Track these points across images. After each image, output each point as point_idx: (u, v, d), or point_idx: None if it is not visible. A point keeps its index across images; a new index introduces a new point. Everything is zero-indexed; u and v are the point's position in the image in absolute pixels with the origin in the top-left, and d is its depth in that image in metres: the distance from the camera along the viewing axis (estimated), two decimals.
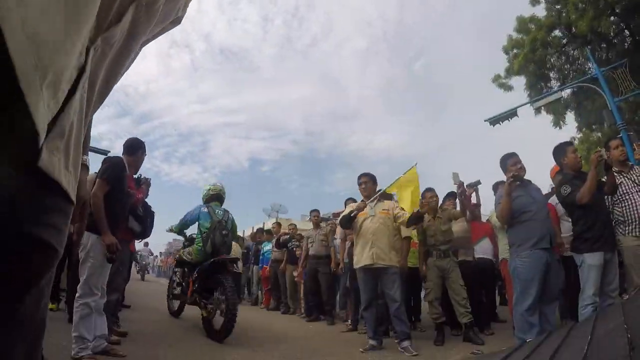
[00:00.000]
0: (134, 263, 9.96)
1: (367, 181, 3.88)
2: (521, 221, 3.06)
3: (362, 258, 3.63)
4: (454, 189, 4.14)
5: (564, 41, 11.26)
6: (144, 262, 15.70)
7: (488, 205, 5.04)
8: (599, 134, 11.00)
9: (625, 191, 3.11)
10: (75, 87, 0.42)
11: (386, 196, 4.24)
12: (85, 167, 0.71)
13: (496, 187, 4.02)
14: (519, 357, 1.87)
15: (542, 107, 10.65)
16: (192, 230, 4.32)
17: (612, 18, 9.91)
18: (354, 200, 4.42)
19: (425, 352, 3.35)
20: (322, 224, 6.13)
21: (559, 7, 10.67)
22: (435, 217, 4.14)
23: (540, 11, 11.14)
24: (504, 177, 3.30)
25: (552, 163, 3.97)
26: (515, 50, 11.53)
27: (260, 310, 7.39)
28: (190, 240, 4.31)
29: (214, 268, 3.77)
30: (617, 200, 3.15)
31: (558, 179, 3.41)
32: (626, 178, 3.16)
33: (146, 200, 3.68)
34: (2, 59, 0.29)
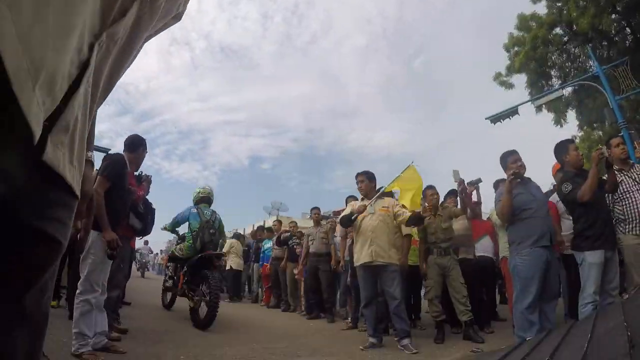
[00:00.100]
0: (134, 260, 10.01)
1: (364, 180, 3.90)
2: (522, 219, 3.05)
3: (361, 256, 3.65)
4: (455, 186, 4.13)
5: (565, 39, 11.22)
6: (144, 260, 15.84)
7: (489, 204, 5.05)
8: (600, 133, 10.99)
9: (625, 189, 3.11)
10: (79, 82, 0.43)
11: (387, 193, 4.24)
12: (90, 163, 0.71)
13: (497, 185, 4.01)
14: (519, 355, 1.87)
15: (543, 105, 10.62)
16: (184, 229, 4.61)
17: (613, 16, 9.86)
18: (355, 198, 4.42)
19: (425, 350, 3.36)
20: (323, 222, 6.13)
21: (560, 4, 10.62)
22: (436, 215, 4.14)
23: (541, 9, 11.10)
24: (504, 175, 3.29)
25: (553, 161, 3.97)
26: (516, 48, 11.49)
27: (261, 307, 7.40)
28: (182, 238, 4.62)
29: (201, 263, 4.18)
30: (617, 198, 3.15)
31: (559, 177, 3.41)
32: (627, 176, 3.16)
33: (147, 197, 3.69)
34: None
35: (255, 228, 9.56)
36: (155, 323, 4.37)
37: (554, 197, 3.83)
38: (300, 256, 6.13)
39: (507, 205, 3.05)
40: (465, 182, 3.98)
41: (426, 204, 3.72)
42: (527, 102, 10.52)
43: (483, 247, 4.51)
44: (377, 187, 4.02)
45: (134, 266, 9.87)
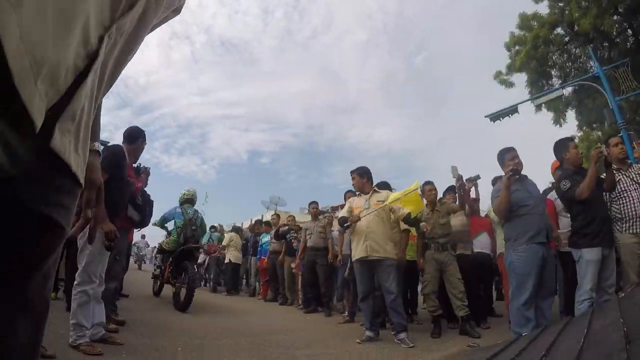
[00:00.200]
0: (132, 254, 10.04)
1: (355, 177, 3.97)
2: (519, 215, 3.06)
3: (357, 251, 3.68)
4: (454, 182, 4.14)
5: (566, 39, 11.22)
6: (141, 253, 15.95)
7: (487, 200, 5.06)
8: (599, 133, 11.01)
9: (623, 189, 3.13)
10: (87, 73, 0.44)
11: (382, 186, 4.25)
12: (97, 152, 0.72)
13: (495, 182, 4.02)
14: (515, 350, 1.89)
15: (543, 105, 10.64)
16: (172, 226, 5.24)
17: (615, 17, 9.86)
18: (353, 193, 4.44)
19: (421, 344, 3.38)
20: (320, 217, 6.14)
21: (562, 4, 10.62)
22: (434, 211, 4.16)
23: (543, 8, 11.10)
24: (503, 172, 3.30)
25: (551, 161, 3.98)
26: (517, 47, 11.49)
27: (258, 301, 7.42)
28: (169, 233, 5.23)
29: (183, 255, 4.88)
30: (615, 197, 3.16)
31: (558, 174, 3.42)
32: (625, 176, 3.17)
33: (145, 189, 3.68)
34: (1, 61, 0.33)
35: (253, 222, 9.56)
36: (152, 315, 4.38)
37: (552, 195, 3.84)
38: (298, 250, 6.14)
39: (504, 202, 3.05)
40: (464, 179, 3.99)
41: (424, 224, 3.85)
42: (527, 101, 10.54)
43: (481, 244, 4.53)
44: (374, 185, 4.04)
45: (131, 259, 9.90)
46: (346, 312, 4.93)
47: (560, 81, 11.40)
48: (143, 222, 3.54)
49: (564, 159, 3.25)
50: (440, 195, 4.56)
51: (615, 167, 3.18)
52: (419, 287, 4.81)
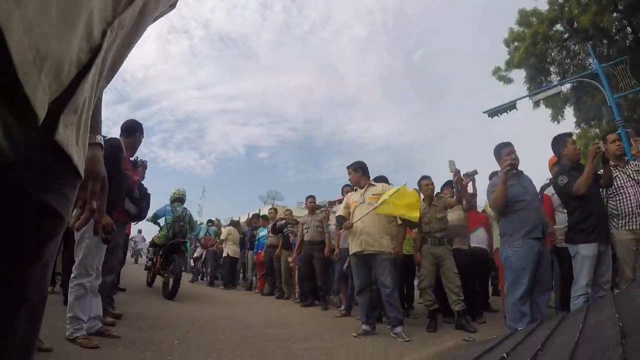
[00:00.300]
0: (129, 248, 10.04)
1: (351, 172, 4.00)
2: (515, 210, 3.07)
3: (353, 245, 3.71)
4: (451, 177, 4.14)
5: (566, 36, 11.19)
6: (137, 248, 16.01)
7: (484, 195, 5.07)
8: (597, 130, 11.03)
9: (620, 185, 3.14)
10: (90, 66, 0.46)
11: (379, 180, 4.25)
12: (100, 145, 0.74)
13: (493, 177, 4.03)
14: (511, 344, 1.90)
15: (541, 101, 10.62)
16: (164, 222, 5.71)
17: (614, 14, 9.83)
18: (351, 188, 4.45)
19: (417, 338, 3.40)
20: (317, 211, 6.14)
21: (561, 1, 10.58)
22: (431, 205, 4.17)
23: (543, 5, 11.06)
24: (500, 168, 3.30)
25: (548, 157, 3.99)
26: (516, 43, 11.45)
27: (255, 295, 7.43)
28: (161, 229, 5.71)
29: (171, 248, 5.35)
30: (611, 193, 3.17)
31: (555, 170, 3.42)
32: (621, 172, 3.18)
33: (142, 182, 3.66)
34: (4, 56, 0.34)
35: (250, 216, 9.56)
36: (149, 308, 4.39)
37: (549, 190, 3.85)
38: (295, 244, 6.15)
39: (501, 196, 3.05)
40: (462, 174, 3.99)
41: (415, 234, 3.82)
42: (525, 97, 10.52)
43: (477, 239, 4.55)
44: (372, 179, 4.04)
45: (128, 253, 9.91)
46: (343, 306, 4.95)
47: (558, 78, 11.38)
48: (140, 215, 3.53)
49: (561, 154, 3.26)
50: (438, 190, 4.57)
51: (612, 163, 3.20)
52: (415, 282, 4.83)
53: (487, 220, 4.48)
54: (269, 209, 8.63)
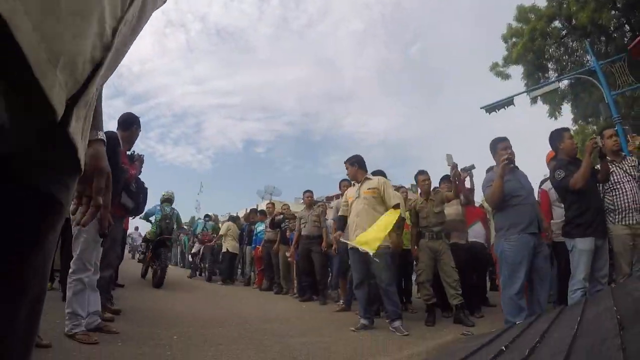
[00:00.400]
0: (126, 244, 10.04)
1: (348, 166, 4.01)
2: (511, 205, 3.07)
3: (350, 240, 3.70)
4: (449, 171, 4.15)
5: (564, 32, 11.20)
6: (135, 244, 16.05)
7: (481, 190, 5.08)
8: (595, 127, 11.08)
9: (616, 180, 3.16)
10: (102, 63, 0.47)
11: (376, 173, 4.25)
12: (102, 141, 0.74)
13: (489, 171, 4.03)
14: (510, 337, 1.91)
15: (539, 97, 10.66)
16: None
17: (613, 12, 9.83)
18: (349, 182, 4.45)
19: (415, 333, 3.41)
20: (315, 206, 6.14)
21: None
22: (428, 200, 4.17)
23: (541, 1, 11.06)
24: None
25: (545, 153, 4.00)
26: (514, 39, 11.46)
27: (253, 290, 7.44)
28: (152, 226, 6.43)
29: (159, 244, 6.13)
30: (608, 188, 3.19)
31: (553, 165, 3.44)
32: (618, 168, 3.20)
33: (139, 177, 3.64)
34: (15, 52, 0.33)
35: (248, 211, 9.55)
36: (148, 304, 4.39)
37: (547, 185, 3.86)
38: (292, 239, 6.15)
39: (498, 191, 3.06)
40: (459, 168, 3.99)
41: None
42: (522, 93, 10.53)
43: (475, 233, 4.56)
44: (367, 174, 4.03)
45: (126, 250, 9.90)
46: (341, 301, 4.96)
47: (556, 74, 11.40)
48: (137, 210, 3.51)
49: (559, 149, 3.27)
50: (436, 184, 4.57)
51: (609, 158, 3.21)
52: (413, 276, 4.85)
53: (484, 214, 4.50)
54: (267, 203, 8.61)
